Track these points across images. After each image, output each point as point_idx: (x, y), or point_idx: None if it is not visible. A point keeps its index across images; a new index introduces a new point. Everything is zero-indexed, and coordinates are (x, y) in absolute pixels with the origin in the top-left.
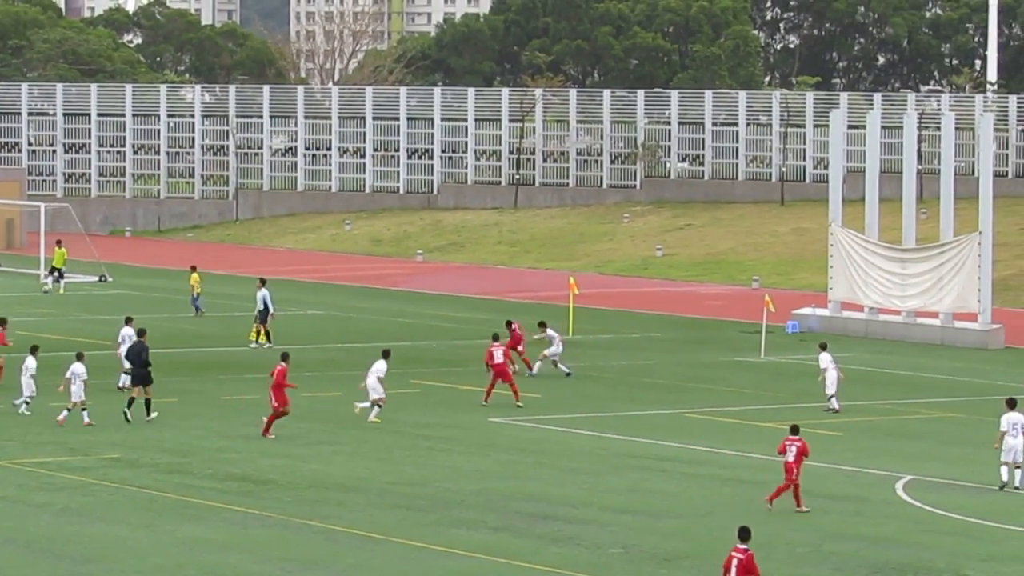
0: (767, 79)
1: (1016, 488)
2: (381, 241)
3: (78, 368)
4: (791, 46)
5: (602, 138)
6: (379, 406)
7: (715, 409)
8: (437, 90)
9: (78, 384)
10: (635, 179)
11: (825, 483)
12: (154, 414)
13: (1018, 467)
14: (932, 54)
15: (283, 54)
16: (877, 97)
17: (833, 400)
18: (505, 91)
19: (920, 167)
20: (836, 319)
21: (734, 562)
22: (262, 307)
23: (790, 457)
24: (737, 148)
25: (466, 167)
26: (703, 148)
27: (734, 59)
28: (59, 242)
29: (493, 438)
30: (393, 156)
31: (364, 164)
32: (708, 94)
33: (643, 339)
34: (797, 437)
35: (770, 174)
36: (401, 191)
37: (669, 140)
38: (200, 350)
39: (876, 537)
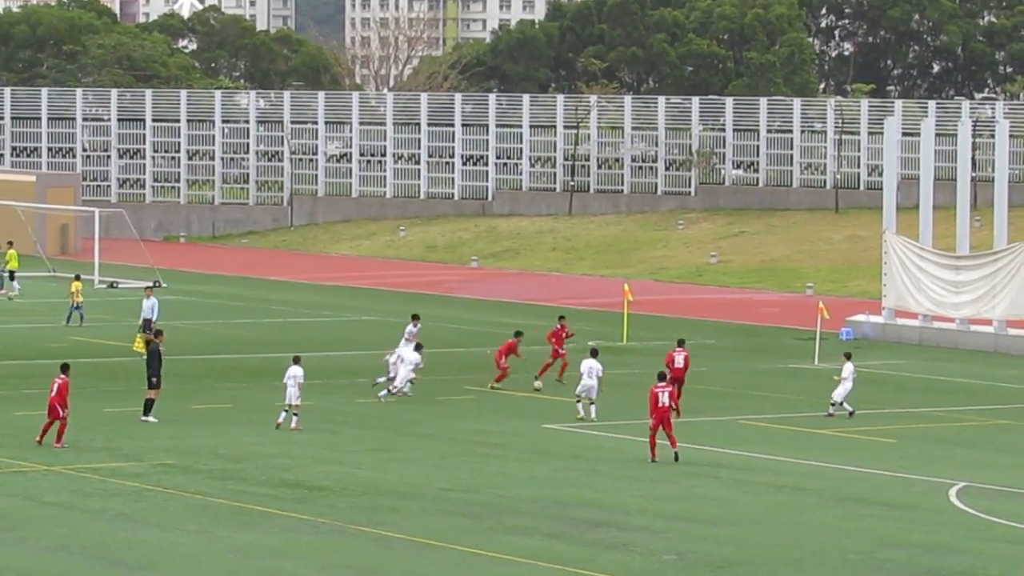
0: (822, 86)
1: None
2: (435, 247)
3: (295, 371)
4: (846, 53)
5: (657, 145)
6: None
7: (769, 416)
8: (492, 96)
9: (293, 386)
10: (689, 186)
11: (879, 490)
12: (151, 419)
13: None
14: (986, 62)
15: (338, 60)
16: (931, 105)
17: (832, 408)
18: (560, 98)
19: (974, 174)
20: (890, 326)
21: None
22: (149, 315)
23: None
24: (792, 155)
25: (521, 173)
26: (757, 155)
27: (789, 66)
28: (10, 243)
29: (547, 444)
30: (448, 163)
31: (419, 170)
32: (763, 101)
33: (697, 346)
34: None
35: (824, 181)
36: (456, 197)
37: (724, 147)
38: (254, 356)
39: (929, 544)
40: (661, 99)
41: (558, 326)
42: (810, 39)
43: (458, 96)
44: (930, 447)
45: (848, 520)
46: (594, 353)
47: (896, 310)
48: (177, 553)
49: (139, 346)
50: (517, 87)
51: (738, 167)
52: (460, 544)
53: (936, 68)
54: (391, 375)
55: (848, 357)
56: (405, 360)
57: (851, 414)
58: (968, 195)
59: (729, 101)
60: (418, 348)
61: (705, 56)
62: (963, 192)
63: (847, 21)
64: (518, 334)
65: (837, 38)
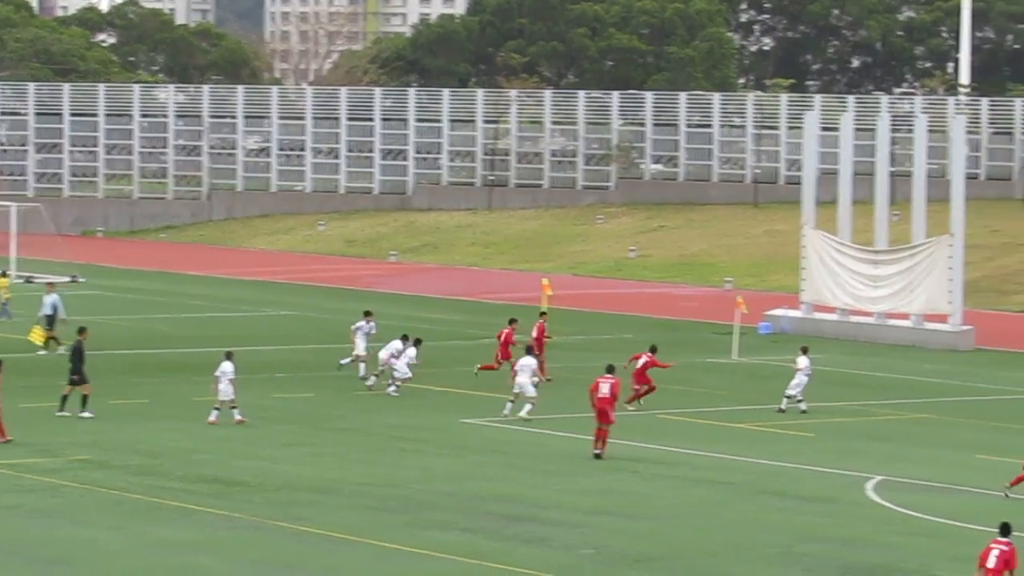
0: (741, 81)
1: None
2: (355, 242)
3: (226, 366)
4: (766, 48)
5: (576, 139)
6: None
7: (688, 410)
8: (412, 91)
9: (225, 383)
10: (609, 180)
11: (796, 484)
12: (87, 414)
13: None
14: (906, 57)
15: (257, 54)
16: (851, 99)
17: (792, 401)
18: (480, 92)
19: (893, 169)
20: (808, 320)
21: (994, 552)
22: (50, 312)
23: None
24: (711, 150)
25: (440, 168)
26: (677, 150)
27: (709, 61)
28: None
29: (466, 439)
30: (367, 157)
31: (338, 165)
32: (683, 96)
33: (616, 340)
34: None
35: (744, 176)
36: (375, 192)
37: (643, 142)
38: (172, 351)
39: (847, 538)
40: (581, 94)
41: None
42: (730, 34)
43: (378, 90)
44: (847, 441)
45: (765, 514)
46: (529, 350)
47: (814, 304)
48: (93, 549)
49: (36, 338)
50: (437, 81)
51: (657, 161)
52: (378, 539)
53: (855, 63)
54: (381, 369)
55: (804, 351)
56: (405, 355)
57: (803, 411)
58: (886, 190)
59: (649, 96)
60: (417, 343)
61: (625, 51)
62: (882, 187)
63: (767, 16)
64: (512, 321)
65: (757, 33)
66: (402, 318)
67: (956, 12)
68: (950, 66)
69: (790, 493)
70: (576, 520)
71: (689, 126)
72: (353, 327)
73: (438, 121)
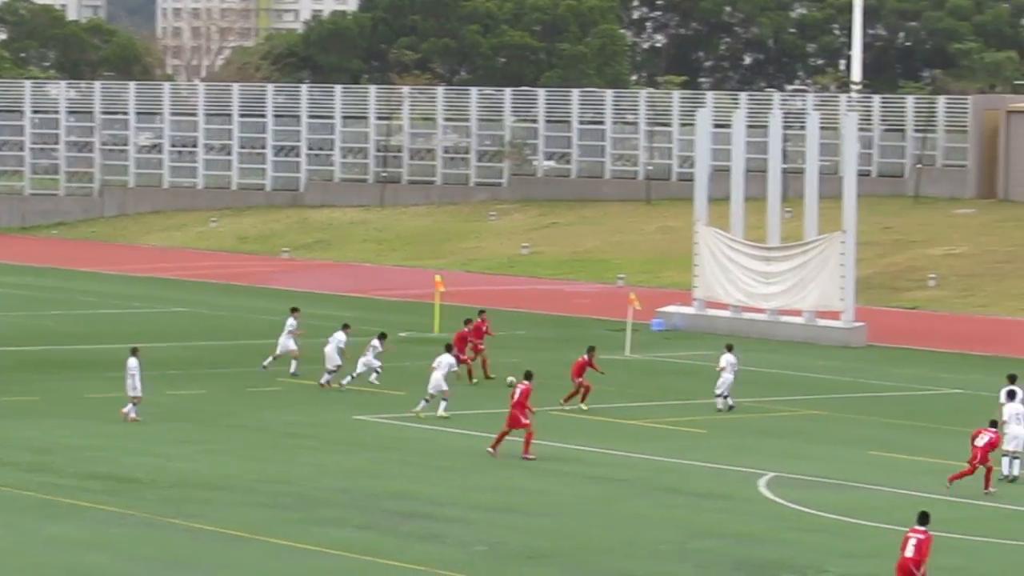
0: (634, 78)
1: (1014, 477)
2: (247, 238)
3: (131, 363)
4: (658, 45)
5: (469, 136)
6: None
7: (581, 407)
8: (304, 87)
9: (129, 378)
10: (502, 177)
11: (690, 480)
12: None
13: (1016, 457)
14: (798, 54)
15: (149, 51)
16: (743, 96)
17: (719, 400)
18: (372, 89)
19: (785, 166)
20: (701, 317)
21: (911, 541)
22: None
23: (979, 443)
24: (604, 147)
25: (333, 165)
26: (570, 146)
27: (601, 58)
28: None
29: (359, 436)
30: (260, 153)
31: (231, 161)
32: (575, 92)
33: (509, 337)
34: (992, 429)
35: (636, 173)
36: (267, 188)
37: (536, 138)
38: (64, 348)
39: (739, 534)
40: (474, 90)
41: (479, 320)
42: (623, 31)
43: (270, 87)
44: (740, 437)
45: (659, 510)
46: (448, 348)
47: (707, 301)
48: None
49: None
50: (329, 78)
51: (550, 158)
52: (271, 536)
53: (748, 60)
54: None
55: (729, 349)
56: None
57: (730, 408)
58: (779, 187)
59: (542, 92)
60: (382, 337)
61: (518, 47)
62: (774, 184)
63: (659, 13)
64: (467, 322)
65: (649, 30)
66: None
67: (848, 9)
68: (842, 63)
69: (683, 489)
70: (470, 517)
71: (581, 123)
72: (286, 324)
73: (330, 118)
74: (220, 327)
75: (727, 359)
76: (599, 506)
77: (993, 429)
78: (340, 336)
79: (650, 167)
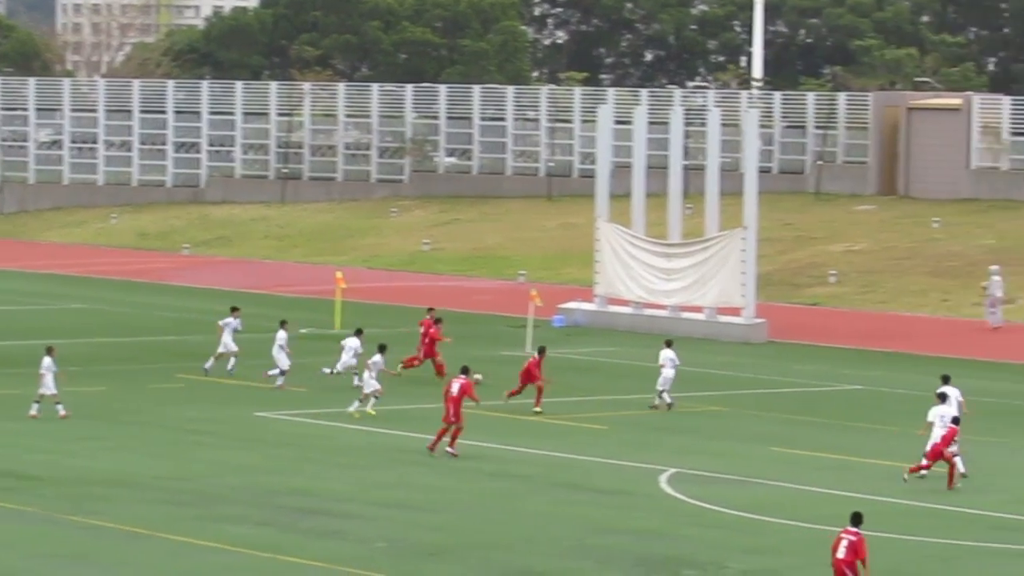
0: (535, 74)
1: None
2: (147, 235)
3: (46, 361)
4: (559, 42)
5: (370, 132)
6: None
7: (482, 403)
8: (205, 84)
9: (49, 377)
10: (403, 174)
11: (590, 477)
12: None
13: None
14: (699, 51)
15: (49, 46)
16: (644, 93)
17: (664, 395)
18: (273, 85)
19: (686, 163)
20: (602, 313)
21: (844, 543)
22: None
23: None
24: (505, 143)
25: (234, 161)
26: (471, 143)
27: (503, 54)
28: None
29: (259, 432)
30: (160, 150)
31: (131, 158)
32: (476, 89)
33: (410, 333)
34: (955, 425)
35: (538, 169)
36: (168, 185)
37: (437, 135)
38: None
39: (640, 530)
40: (375, 87)
41: (428, 318)
42: (524, 27)
43: (171, 83)
44: (641, 434)
45: (559, 506)
46: (382, 348)
47: (608, 297)
48: None
49: None
50: (230, 74)
51: (451, 155)
52: (171, 532)
53: (649, 57)
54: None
55: (668, 344)
56: (346, 347)
57: (669, 406)
58: (680, 183)
59: (443, 89)
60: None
61: (419, 44)
62: (675, 180)
63: (561, 10)
64: (437, 321)
65: (551, 26)
66: (195, 311)
67: (749, 6)
68: (743, 60)
69: (584, 486)
70: (370, 513)
71: (483, 119)
72: (221, 323)
73: (231, 114)
74: (120, 324)
75: (667, 355)
76: (500, 502)
77: (952, 425)
78: (281, 335)
79: (551, 164)
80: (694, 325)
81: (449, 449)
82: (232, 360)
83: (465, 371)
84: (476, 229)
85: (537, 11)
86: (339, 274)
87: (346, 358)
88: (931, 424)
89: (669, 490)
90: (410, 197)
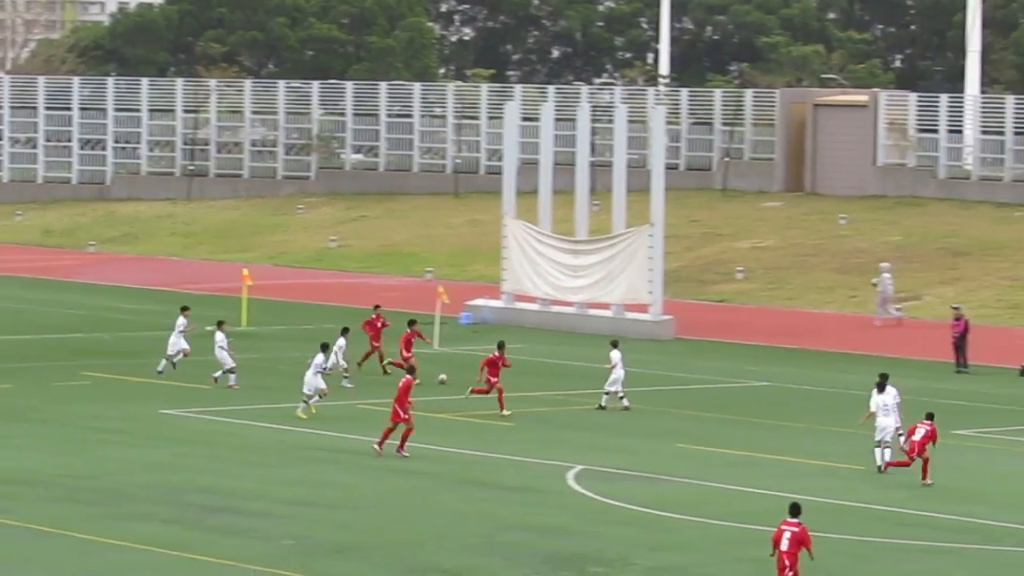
0: (442, 71)
1: (879, 468)
2: (52, 232)
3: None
4: (466, 38)
5: (277, 129)
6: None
7: (388, 400)
8: (111, 80)
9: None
10: (310, 170)
11: (498, 474)
12: None
13: (888, 447)
14: (606, 47)
15: None
16: (551, 90)
17: (610, 396)
18: (179, 82)
19: (593, 159)
20: (509, 310)
21: (786, 535)
22: None
23: (917, 437)
24: (412, 140)
25: (140, 158)
26: (378, 140)
27: (409, 51)
28: None
29: (166, 430)
30: (65, 147)
31: (36, 154)
32: (383, 86)
33: (317, 330)
34: (929, 422)
35: (445, 166)
36: (73, 182)
37: (344, 131)
38: None
39: (547, 527)
40: (281, 83)
41: (373, 315)
42: (431, 24)
43: (76, 80)
44: (548, 430)
45: (467, 504)
46: (324, 348)
47: (515, 294)
48: None
49: None
50: (136, 71)
51: (358, 151)
52: (77, 531)
53: (556, 53)
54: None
55: (615, 345)
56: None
57: (602, 407)
58: (587, 180)
59: (349, 85)
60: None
61: (325, 40)
62: (582, 177)
63: (467, 6)
64: (412, 323)
65: (457, 23)
66: (101, 308)
67: (655, 3)
68: (650, 57)
69: (491, 483)
70: (277, 511)
71: (390, 116)
72: (176, 323)
73: (137, 111)
74: (25, 321)
75: (615, 356)
76: (407, 499)
77: (929, 422)
78: (219, 336)
79: (458, 160)
80: (601, 322)
81: (399, 451)
82: (180, 356)
83: (410, 370)
84: (383, 226)
85: (444, 8)
86: (245, 271)
87: (334, 359)
88: (873, 413)
89: (576, 487)
90: (317, 194)
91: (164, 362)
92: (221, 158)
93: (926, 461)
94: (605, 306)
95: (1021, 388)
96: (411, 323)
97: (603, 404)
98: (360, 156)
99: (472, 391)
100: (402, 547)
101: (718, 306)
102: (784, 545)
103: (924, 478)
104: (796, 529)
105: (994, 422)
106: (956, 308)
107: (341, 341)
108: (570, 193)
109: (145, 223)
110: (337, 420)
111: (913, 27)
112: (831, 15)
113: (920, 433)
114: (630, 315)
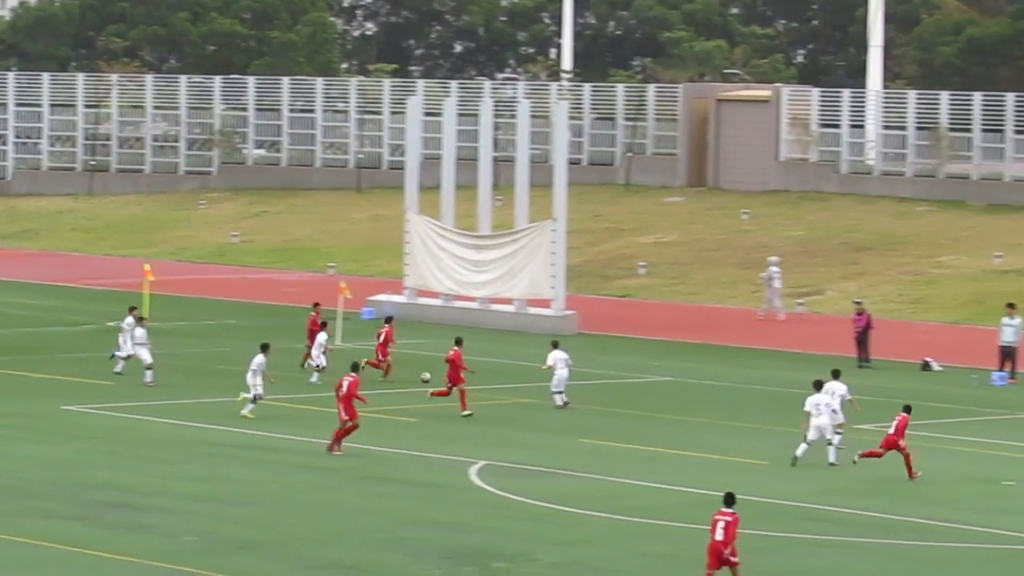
0: (345, 66)
1: (831, 463)
2: None
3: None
4: (368, 33)
5: (179, 124)
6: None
7: (291, 396)
8: (11, 75)
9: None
10: (212, 166)
11: (400, 469)
12: None
13: (830, 443)
14: (508, 42)
15: None
16: (454, 85)
17: (556, 397)
18: (80, 76)
19: (496, 154)
20: (412, 306)
21: (720, 524)
22: None
23: (890, 430)
24: (314, 135)
25: (40, 153)
26: (280, 135)
27: (312, 46)
28: None
29: (66, 426)
30: None
31: None
32: (285, 80)
33: (219, 326)
34: (907, 414)
35: (347, 161)
36: None
37: (246, 127)
38: None
39: (450, 523)
40: (183, 78)
41: (313, 313)
42: (333, 19)
43: None
44: (451, 426)
45: (369, 499)
46: (264, 348)
47: (418, 289)
48: None
49: None
50: (37, 66)
51: (260, 147)
52: None
53: (459, 48)
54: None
55: (555, 345)
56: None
57: (565, 404)
58: (490, 175)
59: (251, 80)
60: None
61: (227, 35)
62: (485, 172)
63: (370, 1)
64: (389, 319)
65: (360, 18)
66: (1, 304)
67: None
68: (553, 52)
69: (393, 478)
70: (179, 507)
71: (292, 111)
72: (124, 323)
73: (38, 106)
74: None
75: (556, 356)
76: (308, 495)
77: (905, 414)
78: (138, 331)
79: (361, 156)
80: (504, 317)
81: (332, 449)
82: (121, 363)
83: (355, 368)
84: (285, 221)
85: (346, 2)
86: (147, 266)
87: (316, 353)
88: (808, 413)
89: (478, 482)
90: (219, 189)
91: (122, 362)
92: (123, 153)
93: (907, 456)
94: (508, 301)
95: (923, 383)
96: (388, 320)
97: (558, 404)
98: (262, 151)
99: (432, 394)
100: (304, 543)
101: (621, 301)
102: (719, 535)
103: (910, 473)
104: (729, 518)
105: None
106: (858, 303)
107: (323, 336)
108: (473, 188)
109: (46, 218)
110: (237, 415)
111: (815, 22)
112: (734, 10)
113: (892, 426)
114: (533, 310)
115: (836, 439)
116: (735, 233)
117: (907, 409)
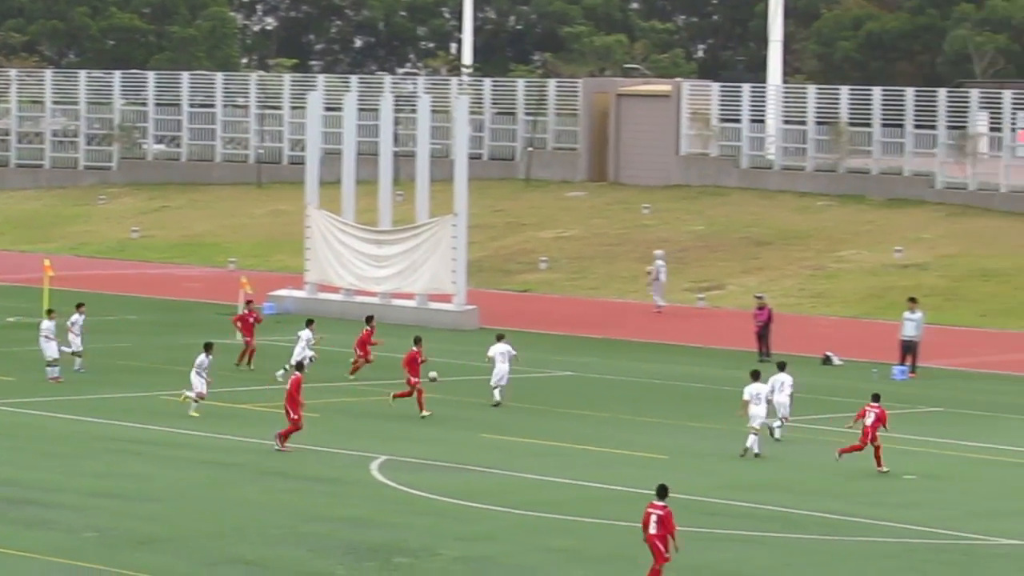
0: (244, 61)
1: (756, 454)
2: None
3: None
4: (268, 28)
5: (78, 119)
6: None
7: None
8: None
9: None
10: (111, 161)
11: (301, 465)
12: None
13: (771, 432)
14: (408, 37)
15: None
16: (354, 79)
17: (496, 392)
18: None
19: (396, 149)
20: (312, 301)
21: (652, 517)
22: None
23: (868, 421)
24: (214, 130)
25: None
26: (180, 130)
27: (211, 40)
28: None
29: None
30: None
31: None
32: (185, 75)
33: (120, 322)
34: (877, 404)
35: (247, 156)
36: None
37: (146, 122)
38: None
39: (351, 518)
40: (82, 73)
41: (246, 311)
42: (233, 13)
43: None
44: (352, 421)
45: (270, 494)
46: (207, 347)
47: (319, 284)
48: None
49: None
50: None
51: (160, 142)
52: None
53: (359, 43)
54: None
55: (499, 338)
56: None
57: (497, 403)
58: (390, 170)
59: (151, 75)
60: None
61: (127, 30)
62: (385, 167)
63: None
64: (370, 318)
65: (260, 12)
66: None
67: None
68: (453, 47)
69: (294, 474)
70: (80, 503)
71: (192, 106)
72: (69, 322)
73: None
74: None
75: (498, 349)
76: (209, 491)
77: (877, 404)
78: (46, 324)
79: (261, 151)
80: (405, 312)
81: (277, 445)
82: (78, 361)
83: (299, 367)
84: (186, 216)
85: None
86: (47, 262)
87: (298, 349)
88: (747, 403)
89: (380, 477)
90: (119, 184)
91: (79, 361)
92: (22, 148)
93: (878, 448)
94: (409, 296)
95: (824, 377)
96: (368, 319)
97: (496, 399)
98: (162, 146)
99: (394, 396)
100: (205, 538)
101: (522, 296)
102: (653, 528)
103: (879, 466)
104: (662, 512)
105: (796, 411)
106: (759, 297)
107: (307, 333)
108: (373, 183)
109: None
110: (137, 411)
111: (715, 17)
112: (634, 5)
113: (871, 417)
114: (434, 305)
115: (777, 430)
116: (636, 228)
117: (876, 398)
